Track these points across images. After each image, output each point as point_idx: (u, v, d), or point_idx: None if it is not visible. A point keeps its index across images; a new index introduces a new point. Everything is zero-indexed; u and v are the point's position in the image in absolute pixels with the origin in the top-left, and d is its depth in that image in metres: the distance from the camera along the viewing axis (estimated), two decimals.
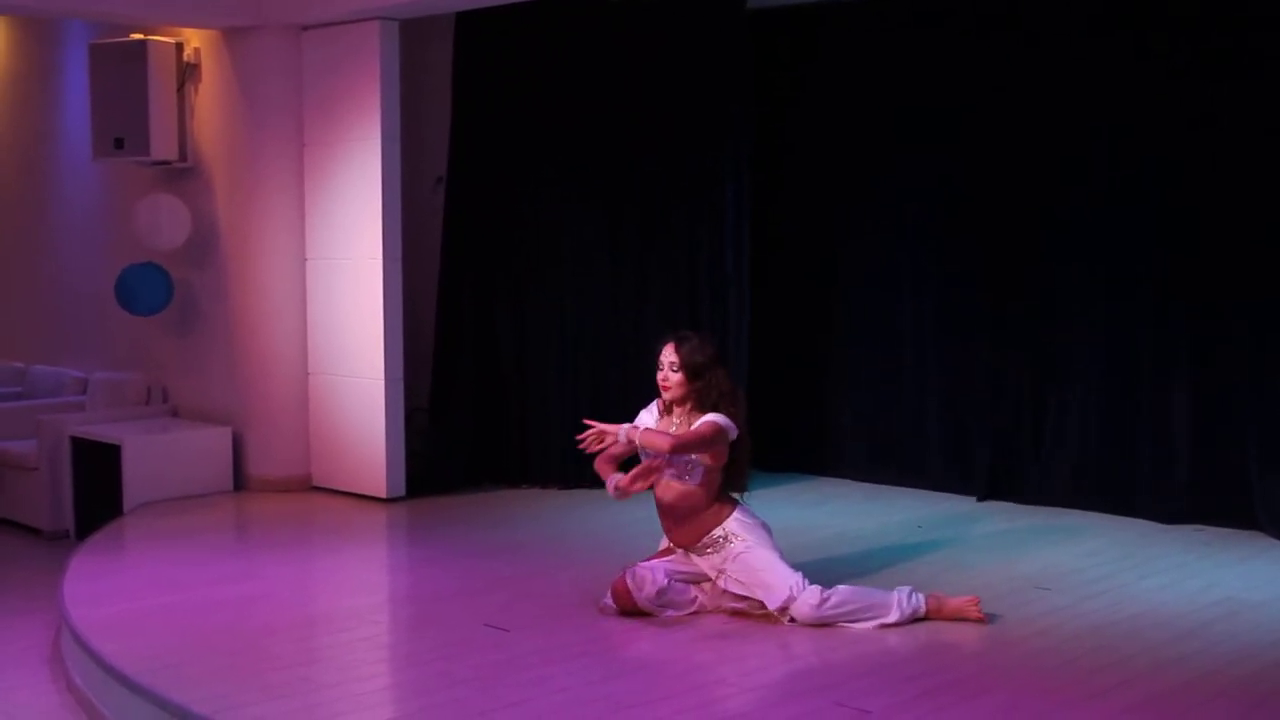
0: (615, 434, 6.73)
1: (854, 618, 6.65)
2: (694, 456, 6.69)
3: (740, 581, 6.74)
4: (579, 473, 9.90)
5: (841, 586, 6.76)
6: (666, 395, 6.82)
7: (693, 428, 6.69)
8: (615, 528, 8.79)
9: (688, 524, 6.81)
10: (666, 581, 6.79)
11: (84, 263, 11.46)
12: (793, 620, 6.63)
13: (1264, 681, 5.92)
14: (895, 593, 6.74)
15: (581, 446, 6.78)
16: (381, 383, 9.60)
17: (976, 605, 6.73)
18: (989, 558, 8.05)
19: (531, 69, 9.93)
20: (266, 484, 10.04)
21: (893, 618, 6.65)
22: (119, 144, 10.16)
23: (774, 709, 5.70)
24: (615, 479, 6.86)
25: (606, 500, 9.45)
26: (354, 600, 7.49)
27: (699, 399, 6.73)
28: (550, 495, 9.87)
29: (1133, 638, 6.51)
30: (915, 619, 6.69)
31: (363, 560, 8.62)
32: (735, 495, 6.88)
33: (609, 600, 6.84)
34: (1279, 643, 6.44)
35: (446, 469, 10.03)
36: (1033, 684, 5.88)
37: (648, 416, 6.94)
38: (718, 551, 6.75)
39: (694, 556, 6.82)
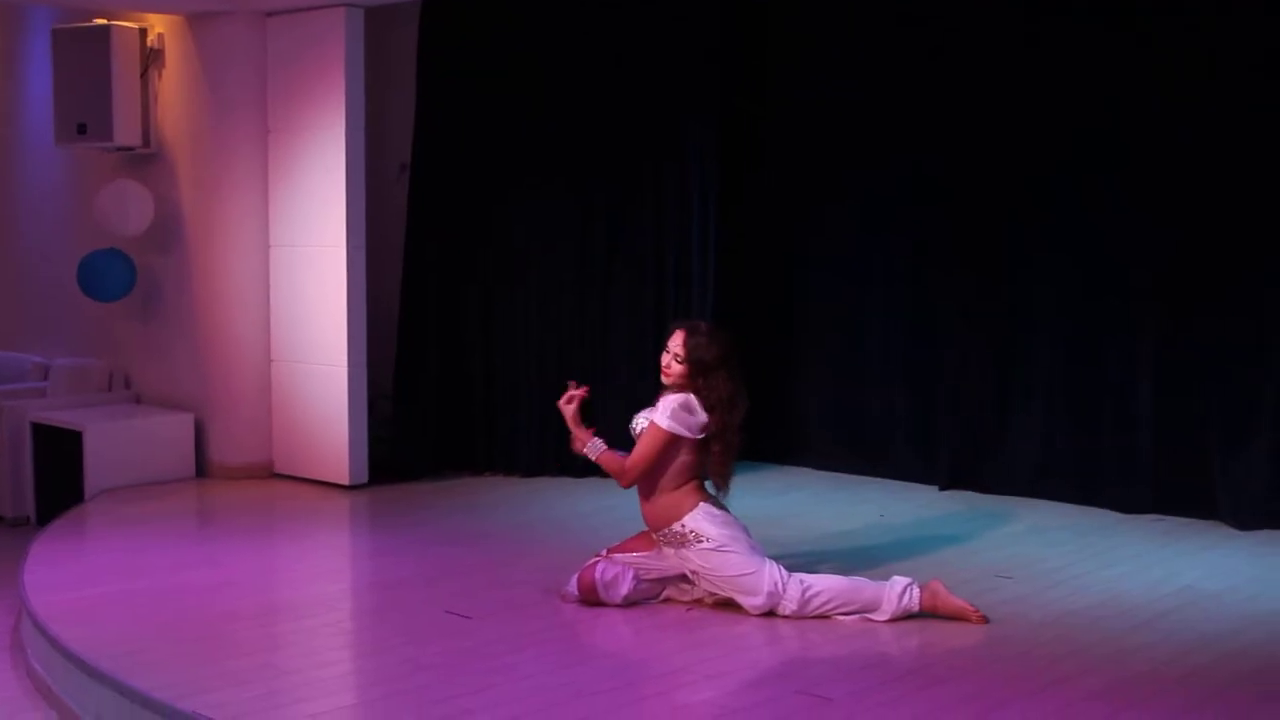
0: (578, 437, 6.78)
1: (841, 611, 6.58)
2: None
3: (718, 586, 6.69)
4: (542, 460, 9.92)
5: (829, 580, 6.68)
6: (666, 381, 6.70)
7: (639, 442, 6.65)
8: (578, 515, 8.81)
9: (652, 500, 6.72)
10: (633, 587, 6.77)
11: (46, 248, 11.41)
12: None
13: (1221, 670, 5.96)
14: (888, 587, 6.58)
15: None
16: (345, 370, 9.58)
17: (978, 612, 6.55)
18: (950, 546, 8.08)
19: (497, 56, 9.92)
20: (229, 471, 10.01)
21: (882, 616, 6.54)
22: (82, 129, 10.12)
23: (736, 696, 5.72)
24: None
25: (570, 488, 9.56)
26: (316, 587, 7.49)
27: (696, 396, 6.62)
28: (513, 483, 9.87)
29: (1092, 627, 6.54)
30: (908, 616, 6.57)
31: (325, 547, 8.61)
32: (709, 489, 6.76)
33: (572, 589, 6.83)
34: (1237, 632, 6.49)
35: (409, 456, 10.02)
36: (993, 672, 5.91)
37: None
38: (683, 547, 6.65)
39: (664, 547, 6.75)
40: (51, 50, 10.32)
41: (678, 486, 6.68)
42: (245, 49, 9.89)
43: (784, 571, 6.62)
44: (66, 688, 6.18)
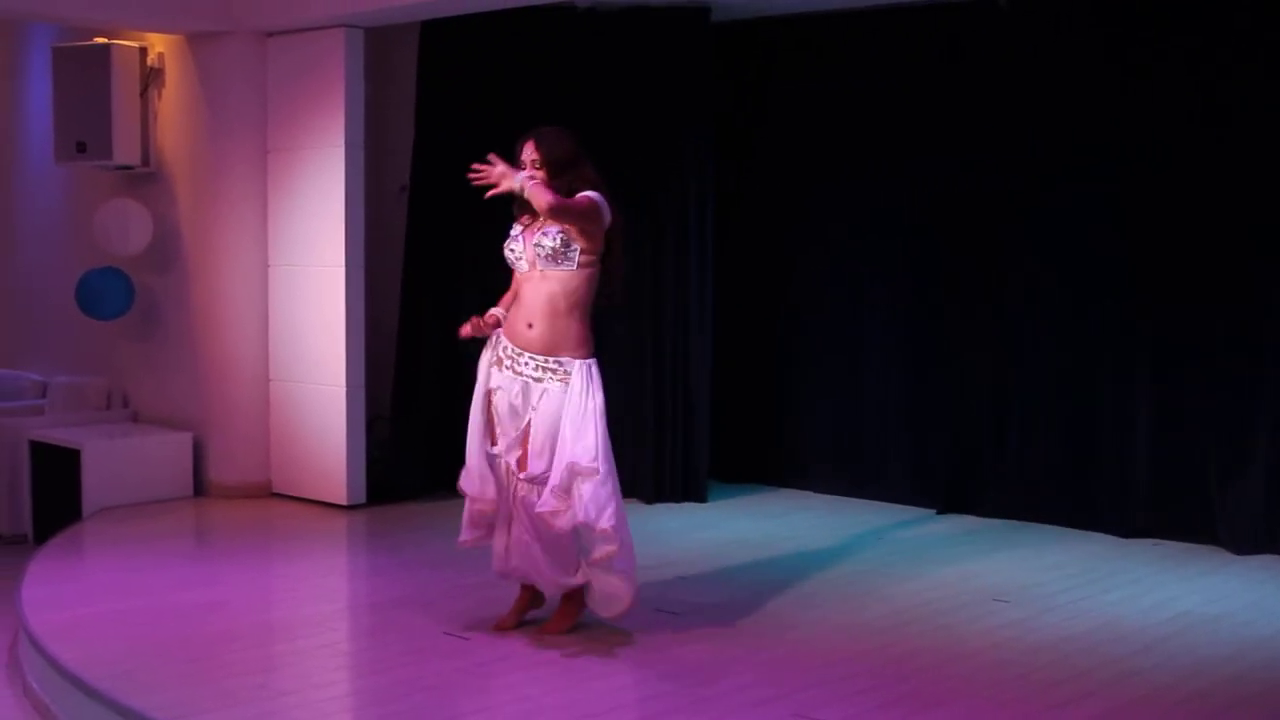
0: (506, 174, 6.41)
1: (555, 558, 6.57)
2: (569, 234, 6.49)
3: (543, 430, 6.54)
4: None
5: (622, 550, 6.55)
6: None
7: (574, 198, 6.44)
8: None
9: (539, 325, 6.58)
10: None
11: (45, 266, 11.41)
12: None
13: (1219, 695, 5.96)
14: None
15: (471, 178, 6.49)
16: (343, 390, 9.58)
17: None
18: (947, 569, 8.07)
19: (495, 79, 9.94)
20: (227, 490, 10.01)
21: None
22: (81, 148, 10.13)
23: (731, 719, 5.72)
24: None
25: None
26: (313, 607, 7.48)
27: (569, 195, 6.47)
28: None
29: (1090, 652, 6.54)
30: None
31: (322, 567, 8.60)
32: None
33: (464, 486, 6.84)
34: (1234, 657, 6.49)
35: (407, 477, 10.02)
36: (989, 697, 5.91)
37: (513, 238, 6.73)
38: (543, 380, 6.56)
39: (519, 370, 6.63)
40: (52, 68, 10.33)
41: (570, 315, 6.57)
42: (245, 69, 9.91)
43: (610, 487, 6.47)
44: (64, 707, 6.17)
